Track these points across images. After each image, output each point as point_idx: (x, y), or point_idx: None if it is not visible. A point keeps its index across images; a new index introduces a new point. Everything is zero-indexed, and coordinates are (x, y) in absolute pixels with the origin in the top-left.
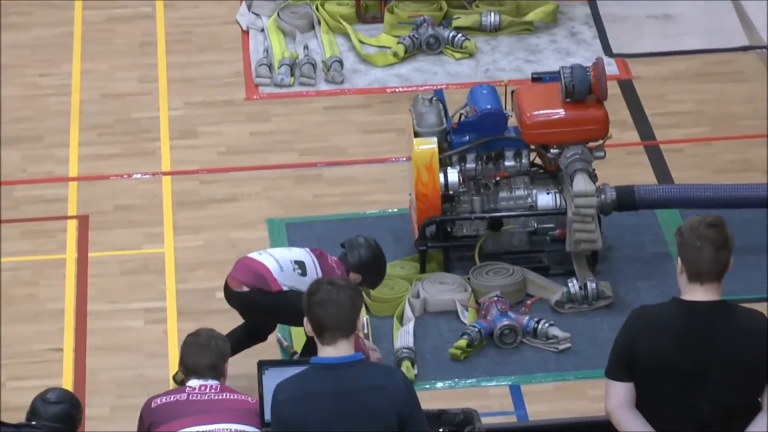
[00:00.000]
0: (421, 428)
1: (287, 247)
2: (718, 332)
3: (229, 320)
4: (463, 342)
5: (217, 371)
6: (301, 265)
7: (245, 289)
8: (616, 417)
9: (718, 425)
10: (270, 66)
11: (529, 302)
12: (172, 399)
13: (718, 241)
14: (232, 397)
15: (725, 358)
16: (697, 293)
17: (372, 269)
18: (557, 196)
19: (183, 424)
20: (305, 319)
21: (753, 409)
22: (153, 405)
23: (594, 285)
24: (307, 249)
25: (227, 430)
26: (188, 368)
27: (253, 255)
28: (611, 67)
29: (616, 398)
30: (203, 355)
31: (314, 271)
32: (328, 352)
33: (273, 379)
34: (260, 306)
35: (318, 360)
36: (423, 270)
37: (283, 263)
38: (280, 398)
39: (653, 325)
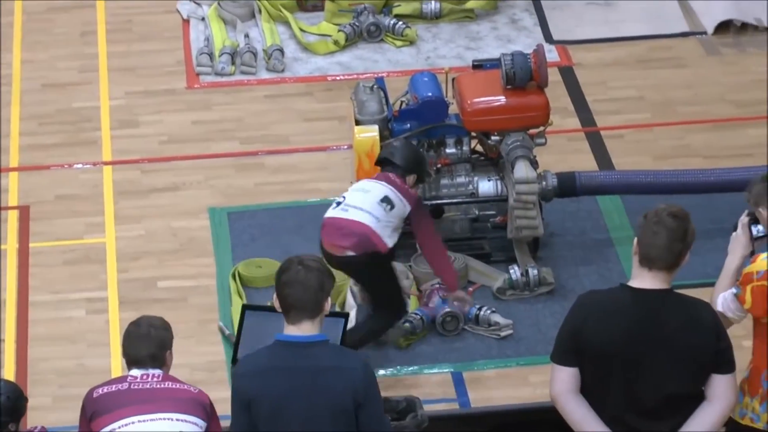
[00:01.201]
0: (375, 414)
1: (361, 190)
2: (666, 320)
3: (170, 309)
4: (405, 328)
5: (157, 360)
6: (386, 200)
7: (350, 253)
8: (561, 402)
9: (662, 412)
10: (211, 55)
11: (470, 289)
12: (113, 389)
13: (675, 232)
14: (174, 386)
15: (672, 346)
16: (645, 279)
17: (418, 161)
18: (498, 183)
19: (125, 413)
20: (274, 296)
21: (697, 396)
22: (95, 395)
23: (535, 271)
24: (375, 180)
25: (168, 419)
26: (129, 358)
27: (339, 214)
28: (552, 54)
29: (561, 383)
30: (143, 345)
31: (398, 198)
32: (291, 330)
33: (254, 322)
34: (377, 271)
35: (281, 337)
36: None
37: (376, 212)
38: (240, 371)
39: (601, 311)
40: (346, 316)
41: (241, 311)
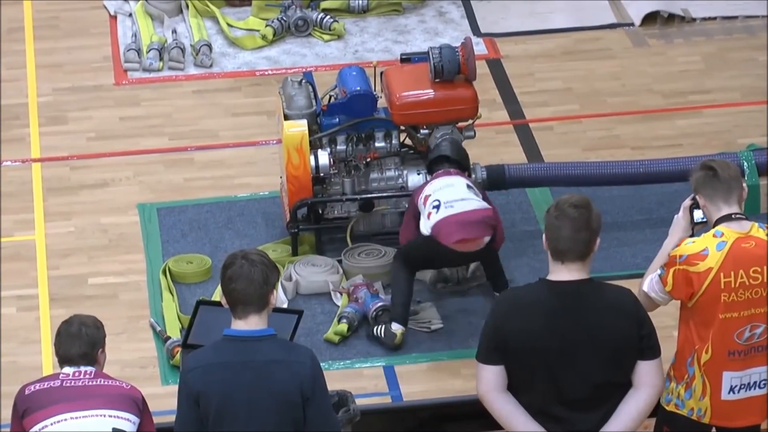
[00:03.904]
0: (322, 408)
1: (447, 186)
2: (586, 311)
3: (101, 305)
4: (343, 327)
5: (89, 359)
6: (470, 187)
7: (486, 239)
8: (489, 400)
9: (590, 402)
10: (138, 51)
11: None
12: (45, 386)
13: (578, 222)
14: (106, 383)
15: (594, 336)
16: (561, 273)
17: (465, 155)
18: (427, 176)
19: (57, 410)
20: (219, 291)
21: (624, 385)
22: (27, 392)
23: (468, 265)
24: (446, 176)
25: (101, 415)
26: (61, 357)
27: (451, 212)
28: (479, 47)
29: (487, 382)
30: (74, 344)
31: (473, 187)
32: (239, 325)
33: (207, 316)
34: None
35: (229, 332)
36: (295, 252)
37: (474, 196)
38: (189, 366)
39: (521, 308)
40: (299, 312)
41: (195, 306)
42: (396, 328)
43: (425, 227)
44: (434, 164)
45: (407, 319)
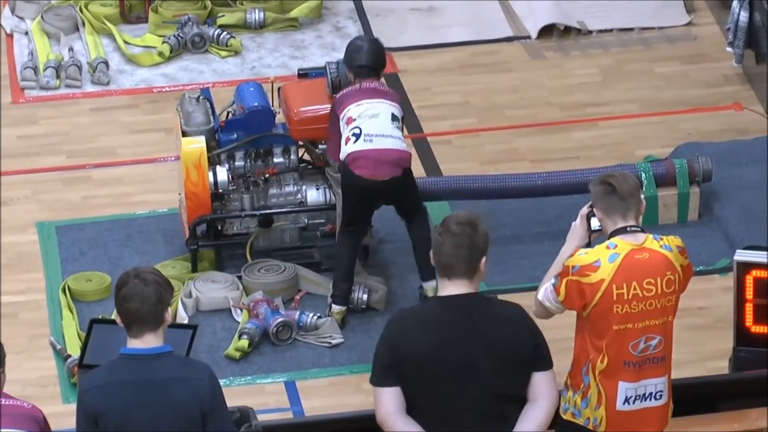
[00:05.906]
0: (222, 423)
1: (371, 116)
2: (479, 323)
3: (6, 325)
4: (244, 343)
5: None
6: (394, 117)
7: (394, 176)
8: (389, 423)
9: (490, 420)
10: (35, 69)
11: (297, 297)
12: None
13: (459, 239)
14: (6, 402)
15: (491, 347)
16: (449, 289)
17: (384, 57)
18: (326, 191)
19: None
20: (115, 311)
21: (522, 398)
22: None
23: (365, 295)
24: (374, 100)
25: None
26: None
27: (367, 146)
28: None
29: (385, 404)
30: None
31: (398, 110)
32: (135, 344)
33: (102, 334)
34: (412, 180)
35: (125, 351)
36: (195, 269)
37: (395, 133)
38: (86, 386)
39: (413, 325)
40: (194, 327)
41: (88, 325)
42: (335, 308)
43: (342, 152)
44: (354, 70)
45: (348, 298)
